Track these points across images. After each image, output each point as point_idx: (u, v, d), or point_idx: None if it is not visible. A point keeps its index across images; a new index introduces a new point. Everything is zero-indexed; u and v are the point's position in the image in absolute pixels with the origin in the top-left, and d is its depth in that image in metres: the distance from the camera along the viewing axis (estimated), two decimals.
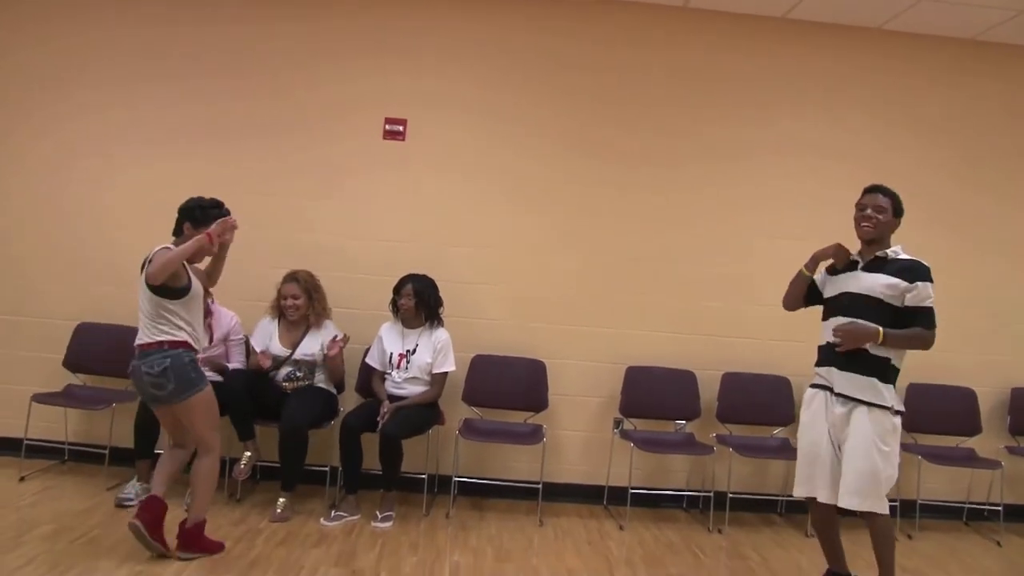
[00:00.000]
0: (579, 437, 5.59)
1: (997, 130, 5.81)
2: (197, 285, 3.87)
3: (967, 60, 5.77)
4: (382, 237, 5.49)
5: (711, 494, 5.28)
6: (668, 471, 5.64)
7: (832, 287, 3.88)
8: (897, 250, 3.76)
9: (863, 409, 3.65)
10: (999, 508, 5.47)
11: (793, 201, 5.64)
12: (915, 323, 3.65)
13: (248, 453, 4.79)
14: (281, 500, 4.68)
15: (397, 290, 5.06)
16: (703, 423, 5.52)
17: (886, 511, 3.67)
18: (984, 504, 5.66)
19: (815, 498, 3.80)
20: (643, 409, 5.48)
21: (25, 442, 5.07)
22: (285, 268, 5.12)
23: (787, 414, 5.48)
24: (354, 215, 5.50)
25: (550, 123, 5.60)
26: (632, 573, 4.26)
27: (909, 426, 5.52)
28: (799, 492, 3.88)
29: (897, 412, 3.69)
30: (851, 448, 3.64)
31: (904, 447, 5.43)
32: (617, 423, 5.50)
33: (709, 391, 5.53)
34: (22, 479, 4.94)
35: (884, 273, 3.69)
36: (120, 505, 4.56)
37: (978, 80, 5.79)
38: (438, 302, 5.09)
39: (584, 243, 5.60)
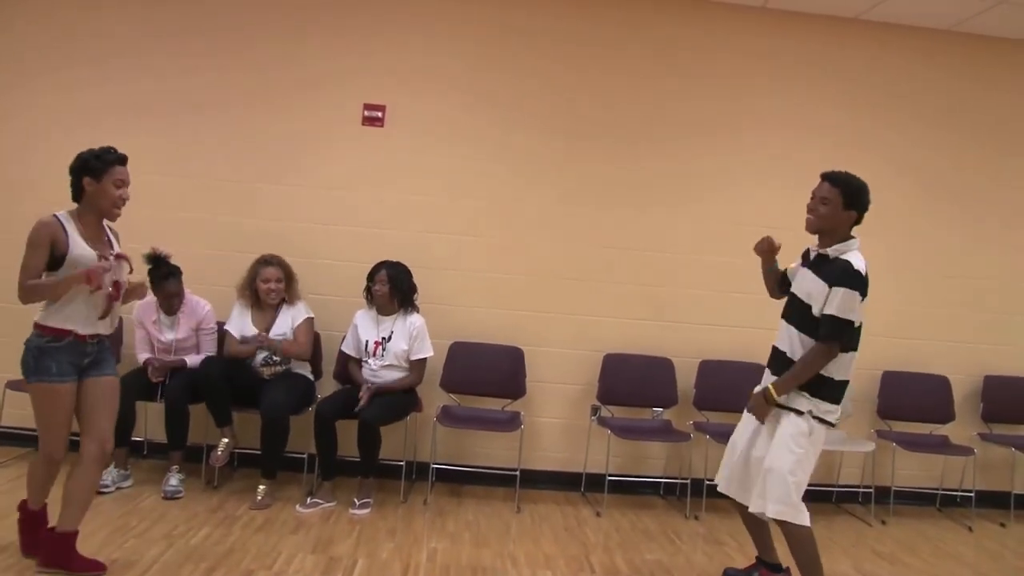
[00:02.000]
0: (557, 424, 5.61)
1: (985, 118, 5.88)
2: (81, 254, 3.32)
3: (945, 48, 5.81)
4: (359, 223, 5.47)
5: (688, 481, 5.31)
6: (645, 458, 5.66)
7: (792, 283, 3.72)
8: (841, 248, 3.47)
9: (783, 413, 3.51)
10: (971, 494, 5.55)
11: (774, 189, 5.64)
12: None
13: (225, 440, 4.77)
14: (261, 487, 4.67)
15: (371, 276, 5.04)
16: (680, 410, 5.55)
17: (803, 521, 3.43)
18: (957, 490, 5.73)
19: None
20: (620, 396, 5.50)
21: None
22: (259, 253, 5.08)
23: None
24: (330, 201, 5.46)
25: (529, 112, 5.58)
26: (609, 559, 4.28)
27: (883, 414, 5.62)
28: (719, 486, 3.86)
29: (817, 418, 3.47)
30: (769, 453, 3.51)
31: (879, 434, 5.53)
32: (594, 410, 5.52)
33: (686, 378, 5.56)
34: None
35: (818, 275, 3.48)
36: (98, 492, 4.50)
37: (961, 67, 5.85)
38: (412, 288, 5.07)
39: (563, 230, 5.60)
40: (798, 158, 5.57)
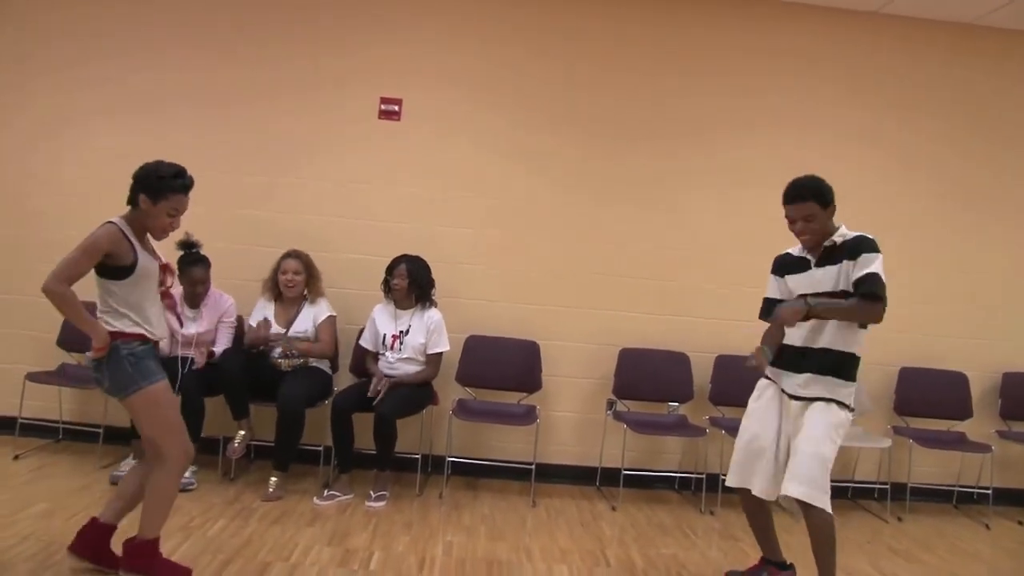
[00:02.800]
0: (572, 418, 5.61)
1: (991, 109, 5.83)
2: (147, 263, 3.29)
3: (960, 43, 5.77)
4: (375, 217, 5.48)
5: (703, 476, 5.31)
6: (661, 453, 5.66)
7: (795, 290, 3.68)
8: (843, 232, 3.53)
9: (820, 404, 3.52)
10: (988, 491, 5.51)
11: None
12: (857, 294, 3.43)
13: (242, 432, 4.81)
14: (273, 479, 4.70)
15: (390, 270, 5.05)
16: (696, 405, 5.54)
17: (829, 509, 3.43)
18: (974, 487, 5.70)
19: (748, 489, 3.70)
20: (636, 391, 5.50)
21: (19, 421, 5.10)
22: (279, 248, 5.12)
23: None
24: (347, 195, 5.48)
25: (546, 107, 5.58)
26: (625, 553, 4.29)
27: (900, 410, 5.59)
28: (731, 481, 3.79)
29: (847, 407, 3.54)
30: (804, 438, 3.49)
31: (896, 430, 5.52)
32: (610, 404, 5.52)
33: (702, 374, 5.55)
34: (16, 458, 4.94)
35: (834, 263, 3.50)
36: (115, 483, 4.55)
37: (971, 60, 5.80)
38: (430, 283, 5.08)
39: (579, 225, 5.60)
40: (813, 156, 5.56)
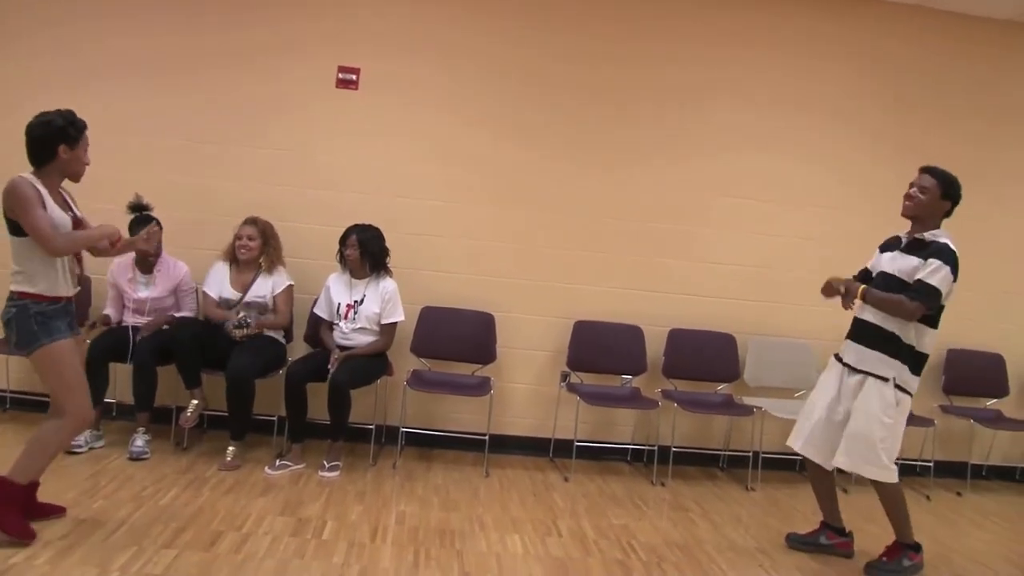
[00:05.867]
0: (526, 390, 5.65)
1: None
2: (60, 217, 3.38)
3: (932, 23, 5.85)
4: (332, 187, 5.43)
5: (655, 448, 5.39)
6: (613, 425, 5.73)
7: (877, 266, 4.03)
8: (937, 233, 3.82)
9: (871, 381, 3.86)
10: (930, 464, 5.69)
11: (746, 160, 5.71)
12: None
13: (195, 401, 4.77)
14: (230, 449, 4.69)
15: (343, 240, 5.03)
16: (649, 378, 5.61)
17: (891, 479, 3.87)
18: (917, 460, 5.84)
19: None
20: (590, 363, 5.55)
21: None
22: (235, 218, 5.05)
23: (731, 370, 5.60)
24: (304, 164, 5.42)
25: (505, 77, 5.54)
26: (576, 523, 4.35)
27: None
28: (790, 442, 4.16)
29: (899, 387, 3.84)
30: (855, 415, 3.87)
31: None
32: (564, 377, 5.56)
33: (655, 347, 5.61)
34: None
35: (917, 256, 3.79)
36: (69, 452, 4.49)
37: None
38: (384, 252, 5.06)
39: (536, 197, 5.59)
40: (766, 129, 5.68)
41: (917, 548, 4.02)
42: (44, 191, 3.35)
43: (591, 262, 5.65)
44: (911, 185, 3.88)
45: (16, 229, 3.32)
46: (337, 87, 5.41)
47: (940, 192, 3.80)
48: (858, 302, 3.90)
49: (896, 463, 3.89)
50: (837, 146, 5.77)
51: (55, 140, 3.36)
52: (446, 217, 5.53)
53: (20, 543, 3.34)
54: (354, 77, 5.40)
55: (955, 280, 3.74)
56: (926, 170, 3.88)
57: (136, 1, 5.31)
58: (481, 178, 5.56)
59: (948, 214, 3.89)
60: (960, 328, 5.87)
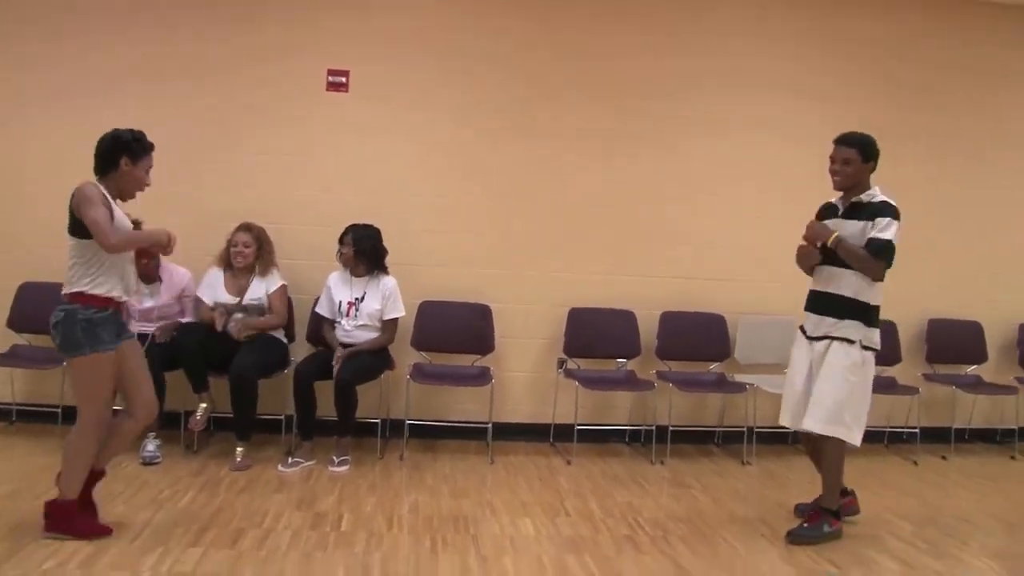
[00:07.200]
0: (525, 378, 5.78)
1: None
2: (120, 219, 3.49)
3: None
4: (326, 189, 5.52)
5: (653, 428, 5.53)
6: (611, 407, 5.87)
7: None
8: (874, 192, 3.95)
9: (836, 344, 3.95)
10: (916, 431, 5.88)
11: (735, 146, 5.87)
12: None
13: (203, 405, 4.84)
14: (239, 449, 4.79)
15: (340, 240, 5.14)
16: (643, 360, 5.75)
17: (854, 441, 3.96)
18: (903, 428, 6.04)
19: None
20: (586, 349, 5.69)
21: None
22: (228, 223, 5.13)
23: (722, 350, 5.77)
24: (297, 167, 5.51)
25: (493, 73, 5.66)
26: (583, 504, 4.49)
27: None
28: (781, 420, 4.24)
29: (866, 347, 3.95)
30: (821, 376, 3.97)
31: None
32: (561, 363, 5.69)
33: (648, 330, 5.76)
34: None
35: (858, 219, 3.92)
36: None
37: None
38: (380, 251, 5.17)
39: (526, 190, 5.72)
40: (753, 115, 5.83)
41: (837, 514, 4.10)
42: (108, 195, 3.47)
43: (583, 250, 5.78)
44: (832, 160, 3.98)
45: (78, 230, 3.39)
46: (327, 90, 5.50)
47: (861, 158, 3.91)
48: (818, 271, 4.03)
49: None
50: (824, 130, 5.84)
51: (119, 151, 3.50)
52: (439, 213, 5.64)
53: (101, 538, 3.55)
54: (344, 80, 5.49)
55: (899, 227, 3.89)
56: (842, 141, 3.97)
57: (124, 13, 5.37)
58: (472, 173, 5.67)
59: (873, 170, 3.98)
60: (940, 298, 6.08)
